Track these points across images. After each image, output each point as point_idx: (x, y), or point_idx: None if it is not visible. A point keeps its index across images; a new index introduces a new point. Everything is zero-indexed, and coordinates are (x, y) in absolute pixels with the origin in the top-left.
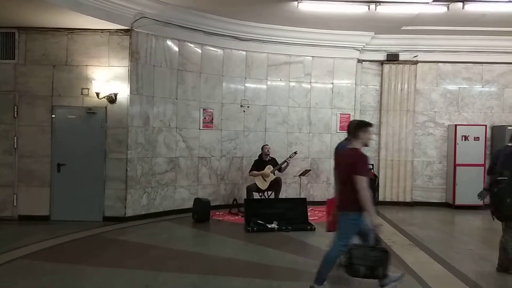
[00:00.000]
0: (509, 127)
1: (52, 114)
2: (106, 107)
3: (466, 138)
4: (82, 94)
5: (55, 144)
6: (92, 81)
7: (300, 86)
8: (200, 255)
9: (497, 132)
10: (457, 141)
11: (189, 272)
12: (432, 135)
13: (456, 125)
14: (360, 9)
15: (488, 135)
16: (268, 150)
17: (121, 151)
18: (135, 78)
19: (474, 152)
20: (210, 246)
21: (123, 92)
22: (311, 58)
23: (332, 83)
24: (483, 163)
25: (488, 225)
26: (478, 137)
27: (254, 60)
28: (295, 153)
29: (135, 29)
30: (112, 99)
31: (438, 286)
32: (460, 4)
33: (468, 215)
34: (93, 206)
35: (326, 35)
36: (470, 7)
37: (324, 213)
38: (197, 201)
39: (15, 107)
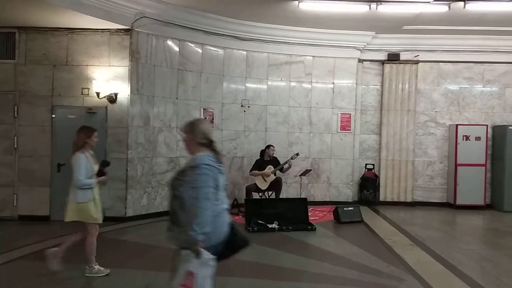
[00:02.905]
0: (510, 127)
1: (52, 114)
2: (106, 107)
3: (467, 138)
4: (82, 94)
5: (55, 144)
6: (93, 81)
7: (300, 86)
8: None
9: (498, 132)
10: (458, 141)
11: None
12: (433, 135)
13: (457, 125)
14: (361, 8)
15: (490, 135)
16: (272, 152)
17: (122, 151)
18: (136, 78)
19: (475, 152)
20: None
21: (124, 92)
22: (311, 58)
23: (333, 83)
24: (484, 163)
25: (489, 225)
26: (479, 137)
27: (255, 60)
28: (297, 154)
29: (136, 29)
30: (112, 99)
31: (439, 286)
32: (461, 3)
33: (469, 215)
34: None
35: (327, 34)
36: (471, 7)
37: (325, 213)
38: None
39: (15, 107)
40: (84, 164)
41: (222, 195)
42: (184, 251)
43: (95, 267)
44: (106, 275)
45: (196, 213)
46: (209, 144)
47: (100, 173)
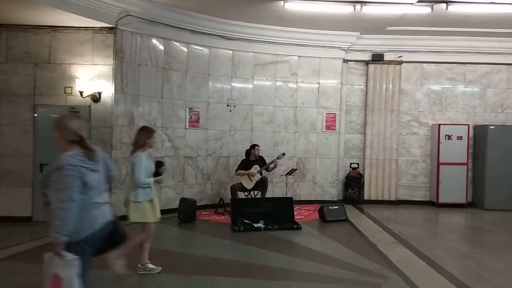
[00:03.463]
0: (491, 127)
1: (35, 113)
2: (90, 106)
3: (449, 137)
4: (65, 93)
5: (38, 143)
6: (76, 79)
7: (286, 85)
8: (186, 255)
9: (479, 131)
10: (440, 140)
11: (174, 273)
12: (416, 134)
13: (439, 125)
14: (346, 9)
15: (471, 134)
16: (258, 151)
17: (106, 150)
18: (120, 76)
19: (457, 151)
20: (196, 246)
21: (107, 91)
22: (297, 57)
23: (318, 82)
24: (466, 162)
25: (470, 223)
26: (461, 136)
27: (241, 60)
28: (283, 154)
29: (120, 27)
30: (96, 98)
31: (422, 283)
32: (444, 5)
33: (451, 213)
34: None
35: (312, 35)
36: (453, 8)
37: (311, 212)
38: (183, 201)
39: None
40: (144, 163)
41: (94, 193)
42: (47, 254)
43: (149, 265)
44: (158, 273)
45: (60, 215)
46: (80, 141)
47: (156, 174)
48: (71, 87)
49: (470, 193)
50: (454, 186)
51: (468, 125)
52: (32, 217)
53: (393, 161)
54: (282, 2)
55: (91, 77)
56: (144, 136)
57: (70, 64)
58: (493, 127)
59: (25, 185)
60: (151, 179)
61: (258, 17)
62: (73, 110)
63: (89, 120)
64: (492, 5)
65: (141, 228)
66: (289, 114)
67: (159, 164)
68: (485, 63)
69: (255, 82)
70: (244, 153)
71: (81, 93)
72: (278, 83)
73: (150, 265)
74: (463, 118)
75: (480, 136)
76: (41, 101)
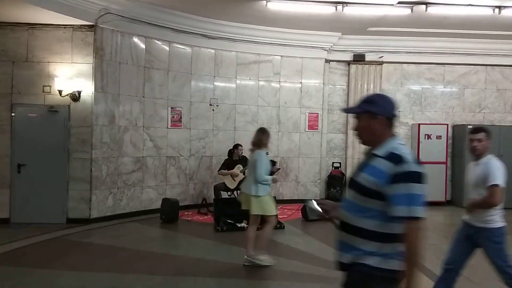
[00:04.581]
0: (469, 126)
1: (12, 113)
2: (69, 105)
3: (428, 136)
4: (43, 91)
5: (15, 143)
6: (54, 78)
7: (269, 85)
8: (168, 256)
9: (458, 131)
10: (420, 140)
11: (157, 274)
12: (396, 133)
13: (419, 124)
14: (328, 9)
15: (450, 133)
16: (241, 151)
17: (86, 150)
18: (100, 75)
19: (436, 150)
20: (178, 247)
21: (87, 89)
22: (280, 57)
23: (301, 82)
24: (445, 161)
25: (450, 221)
26: (440, 136)
27: (224, 59)
28: (274, 164)
29: (100, 25)
30: (75, 97)
31: (402, 280)
32: (424, 6)
33: (430, 211)
34: (56, 207)
35: (294, 34)
36: (433, 10)
37: (294, 211)
38: (165, 201)
39: None
40: (265, 161)
41: None
42: None
43: (264, 257)
44: (268, 265)
45: None
46: None
47: (270, 173)
48: (50, 86)
49: (449, 192)
50: (434, 185)
51: (447, 124)
52: (10, 219)
53: None
54: (265, 1)
55: (70, 76)
56: (265, 137)
57: (48, 62)
58: (471, 126)
59: (2, 186)
60: (270, 177)
61: (241, 16)
62: (52, 109)
63: (68, 120)
64: (469, 7)
65: (264, 220)
66: (272, 114)
67: (271, 164)
68: (463, 64)
69: (238, 81)
70: (227, 152)
71: (60, 92)
72: (261, 83)
73: (262, 256)
74: (442, 118)
75: (458, 136)
76: (19, 100)
